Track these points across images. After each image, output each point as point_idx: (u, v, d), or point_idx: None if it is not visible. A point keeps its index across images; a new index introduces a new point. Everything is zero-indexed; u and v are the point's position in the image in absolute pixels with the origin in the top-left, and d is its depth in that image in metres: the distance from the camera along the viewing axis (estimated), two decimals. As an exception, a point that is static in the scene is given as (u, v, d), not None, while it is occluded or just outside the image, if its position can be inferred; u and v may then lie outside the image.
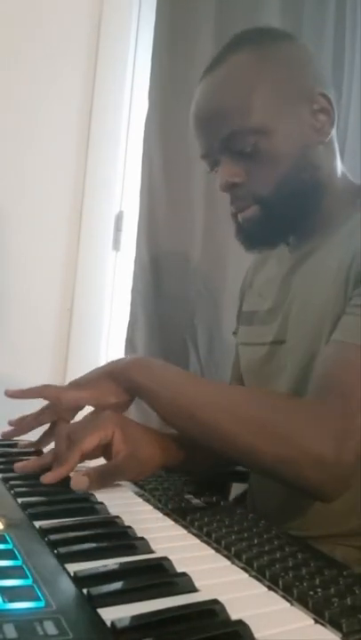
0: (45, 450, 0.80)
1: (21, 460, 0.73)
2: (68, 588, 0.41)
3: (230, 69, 0.81)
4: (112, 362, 0.81)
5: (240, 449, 0.67)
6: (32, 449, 0.82)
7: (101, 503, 0.61)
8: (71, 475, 0.67)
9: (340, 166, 0.86)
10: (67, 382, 0.82)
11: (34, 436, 0.84)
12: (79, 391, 0.78)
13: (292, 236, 0.88)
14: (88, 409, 0.78)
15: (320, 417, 0.65)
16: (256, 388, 0.87)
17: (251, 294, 0.98)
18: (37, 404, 0.80)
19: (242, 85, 0.79)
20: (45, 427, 0.82)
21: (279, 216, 0.82)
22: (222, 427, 0.68)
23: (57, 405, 0.78)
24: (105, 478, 0.68)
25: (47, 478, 0.66)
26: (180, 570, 0.45)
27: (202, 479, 0.77)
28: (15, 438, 0.83)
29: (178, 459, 0.78)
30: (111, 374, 0.77)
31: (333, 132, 0.83)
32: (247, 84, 0.79)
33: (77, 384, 0.79)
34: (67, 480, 0.66)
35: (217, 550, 0.52)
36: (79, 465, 0.69)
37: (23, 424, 0.80)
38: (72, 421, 0.79)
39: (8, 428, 0.81)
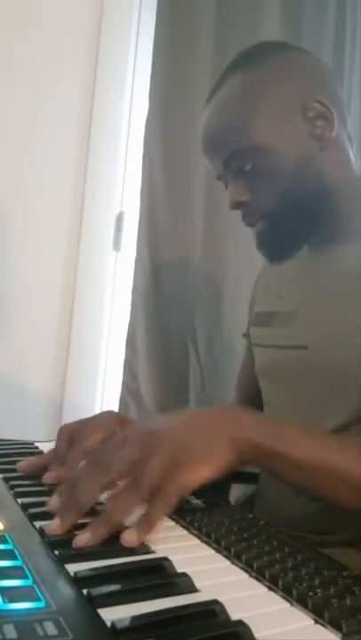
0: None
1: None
2: (68, 588, 0.41)
3: (225, 93, 0.84)
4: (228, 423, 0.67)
5: None
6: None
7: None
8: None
9: (357, 166, 0.85)
10: (67, 381, 0.81)
11: (32, 435, 0.84)
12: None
13: (310, 240, 0.87)
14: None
15: None
16: None
17: (267, 295, 0.97)
18: (42, 408, 0.79)
19: (236, 107, 0.82)
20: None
21: (288, 228, 0.83)
22: None
23: None
24: None
25: (49, 478, 0.67)
26: (180, 570, 0.45)
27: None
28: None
29: None
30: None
31: (335, 134, 0.82)
32: (241, 106, 0.82)
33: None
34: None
35: (217, 551, 0.52)
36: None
37: None
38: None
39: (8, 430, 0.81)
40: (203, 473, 0.55)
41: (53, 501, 0.55)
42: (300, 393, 0.83)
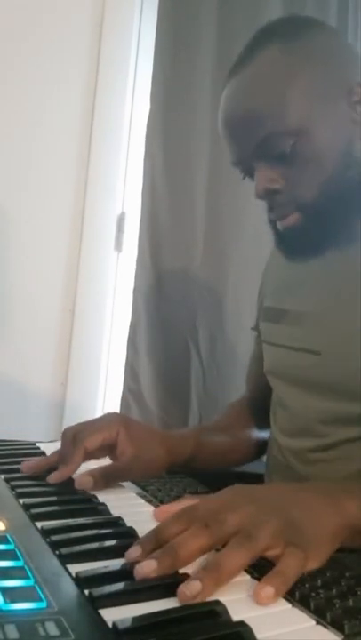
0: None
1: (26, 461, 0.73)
2: (69, 588, 0.41)
3: (260, 67, 0.73)
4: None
5: None
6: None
7: (103, 504, 0.61)
8: (74, 475, 0.67)
9: None
10: (68, 381, 0.81)
11: (33, 436, 0.84)
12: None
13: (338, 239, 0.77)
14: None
15: None
16: None
17: (277, 289, 0.90)
18: (44, 408, 0.79)
19: (274, 84, 0.72)
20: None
21: (325, 222, 0.74)
22: None
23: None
24: (109, 478, 0.68)
25: (53, 478, 0.67)
26: (181, 571, 0.45)
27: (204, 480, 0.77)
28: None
29: (183, 460, 0.77)
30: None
31: None
32: (280, 82, 0.72)
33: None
34: (69, 480, 0.66)
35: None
36: (84, 465, 0.69)
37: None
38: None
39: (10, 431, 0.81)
40: (310, 563, 0.48)
41: (134, 552, 0.47)
42: (312, 399, 0.79)
